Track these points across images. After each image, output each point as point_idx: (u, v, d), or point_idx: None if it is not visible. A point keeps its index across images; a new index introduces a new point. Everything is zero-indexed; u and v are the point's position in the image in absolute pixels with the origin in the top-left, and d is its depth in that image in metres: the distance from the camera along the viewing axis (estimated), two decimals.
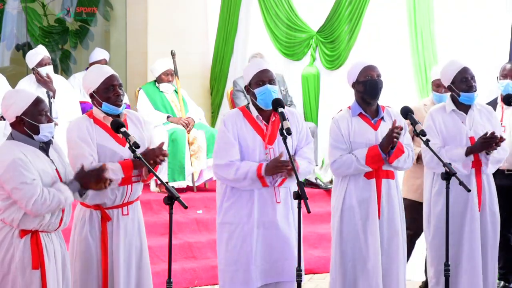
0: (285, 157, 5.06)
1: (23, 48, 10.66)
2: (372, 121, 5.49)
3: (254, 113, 5.18)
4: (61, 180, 4.53)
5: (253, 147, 5.11)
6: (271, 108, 5.12)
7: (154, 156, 4.82)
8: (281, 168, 5.02)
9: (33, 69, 8.35)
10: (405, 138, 5.50)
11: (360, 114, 5.49)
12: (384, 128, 5.45)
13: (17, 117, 4.48)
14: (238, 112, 5.23)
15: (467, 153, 5.73)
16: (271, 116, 5.19)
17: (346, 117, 5.50)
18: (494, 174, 6.04)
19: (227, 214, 5.18)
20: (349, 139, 5.45)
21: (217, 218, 5.26)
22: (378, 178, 5.45)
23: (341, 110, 5.62)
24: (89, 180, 4.54)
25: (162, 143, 4.93)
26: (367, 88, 5.45)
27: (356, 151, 5.40)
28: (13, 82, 8.62)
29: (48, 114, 4.54)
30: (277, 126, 5.14)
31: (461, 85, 5.80)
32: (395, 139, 5.30)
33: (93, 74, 4.96)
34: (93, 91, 4.91)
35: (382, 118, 5.51)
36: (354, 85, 5.52)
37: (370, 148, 5.38)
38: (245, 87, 5.23)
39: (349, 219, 5.47)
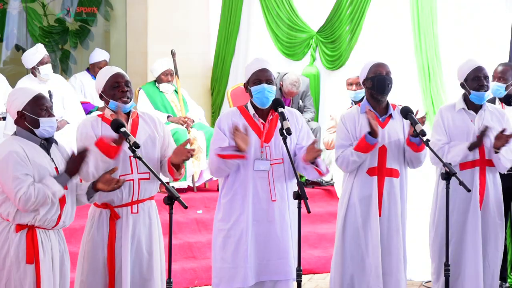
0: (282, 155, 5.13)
1: (23, 48, 10.67)
2: (380, 119, 5.50)
3: (251, 111, 5.19)
4: None
5: (249, 144, 5.08)
6: (267, 107, 5.14)
7: (183, 153, 4.84)
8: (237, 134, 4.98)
9: (33, 68, 8.35)
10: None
11: (368, 111, 5.51)
12: (391, 126, 5.47)
13: (18, 112, 4.55)
14: (236, 110, 5.23)
15: (470, 148, 5.73)
16: (268, 115, 5.20)
17: (354, 114, 5.55)
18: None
19: (223, 211, 5.19)
20: (355, 135, 5.48)
21: (215, 215, 5.29)
22: (381, 176, 5.46)
23: (351, 106, 5.65)
24: (73, 164, 4.50)
25: (188, 140, 5.02)
26: (375, 83, 5.49)
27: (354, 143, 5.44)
28: (13, 82, 8.62)
29: (50, 110, 4.57)
30: (275, 125, 5.15)
31: (473, 83, 5.82)
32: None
33: (101, 74, 4.99)
34: (102, 91, 4.94)
35: (391, 115, 5.52)
36: (364, 82, 5.57)
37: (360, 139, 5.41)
38: (244, 84, 5.24)
39: (351, 216, 5.51)
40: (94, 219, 4.92)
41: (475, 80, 5.81)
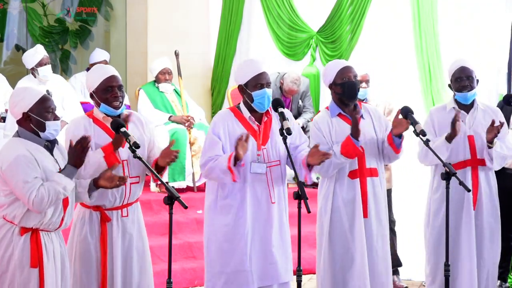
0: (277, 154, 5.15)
1: (23, 48, 10.67)
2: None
3: (246, 114, 5.14)
4: None
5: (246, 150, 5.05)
6: (265, 110, 5.11)
7: (169, 155, 4.82)
8: (240, 143, 4.94)
9: (32, 69, 8.34)
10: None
11: (339, 114, 5.47)
12: (364, 126, 5.41)
13: (23, 113, 4.49)
14: (229, 112, 5.18)
15: (447, 138, 5.67)
16: (263, 117, 5.17)
17: (326, 118, 5.47)
18: (499, 175, 6.02)
19: (219, 215, 5.12)
20: (331, 139, 5.42)
21: (207, 219, 5.18)
22: (363, 177, 5.43)
23: (319, 111, 5.61)
24: (73, 153, 4.47)
25: (173, 141, 4.95)
26: (345, 90, 5.42)
27: (333, 147, 5.36)
28: (13, 82, 8.62)
29: (55, 112, 4.54)
30: (270, 127, 5.14)
31: (455, 84, 5.83)
32: (404, 129, 5.29)
33: (94, 74, 4.95)
34: (93, 91, 4.91)
35: (361, 116, 5.49)
36: (331, 86, 5.50)
37: (344, 140, 5.31)
38: (239, 86, 5.17)
39: (337, 220, 5.45)
40: (84, 220, 4.90)
41: (457, 81, 5.81)
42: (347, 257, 5.43)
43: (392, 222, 7.09)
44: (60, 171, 4.49)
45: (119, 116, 4.92)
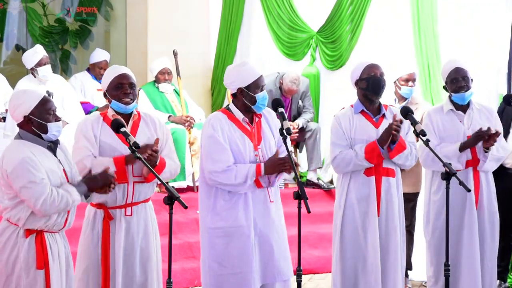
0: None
1: (23, 48, 10.67)
2: (374, 119, 5.53)
3: (240, 115, 5.13)
4: (67, 180, 4.54)
5: (244, 149, 5.06)
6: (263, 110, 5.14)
7: (144, 151, 4.78)
8: (283, 165, 4.99)
9: (32, 69, 8.35)
10: (409, 136, 5.53)
11: (362, 112, 5.53)
12: (385, 126, 5.47)
13: (25, 116, 4.49)
14: (221, 114, 5.13)
15: (461, 149, 5.74)
16: (254, 118, 5.18)
17: (348, 114, 5.55)
18: (500, 175, 6.02)
19: (222, 218, 5.07)
20: (350, 135, 5.49)
21: (206, 222, 5.11)
22: (378, 176, 5.47)
23: (343, 108, 5.65)
24: (96, 183, 4.55)
25: (157, 139, 4.92)
26: (370, 84, 5.48)
27: (355, 146, 5.45)
28: (13, 82, 8.62)
29: (56, 113, 4.55)
30: (261, 127, 5.15)
31: (451, 85, 5.85)
32: (395, 132, 5.32)
33: (107, 73, 5.04)
34: (106, 90, 4.98)
35: (384, 115, 5.53)
36: (357, 83, 5.56)
37: (369, 143, 5.42)
38: (239, 89, 5.10)
39: (349, 217, 5.51)
40: (89, 219, 4.95)
41: (453, 82, 5.83)
42: (358, 254, 5.48)
43: (412, 226, 7.08)
44: (73, 184, 4.51)
45: (130, 114, 4.95)
